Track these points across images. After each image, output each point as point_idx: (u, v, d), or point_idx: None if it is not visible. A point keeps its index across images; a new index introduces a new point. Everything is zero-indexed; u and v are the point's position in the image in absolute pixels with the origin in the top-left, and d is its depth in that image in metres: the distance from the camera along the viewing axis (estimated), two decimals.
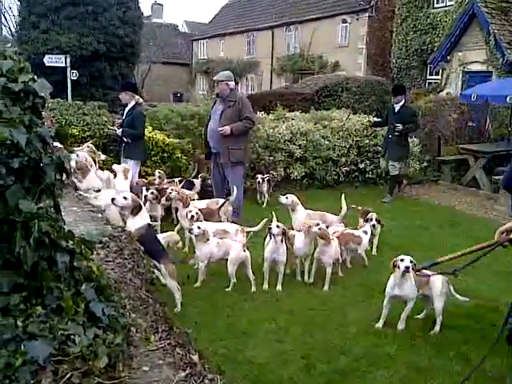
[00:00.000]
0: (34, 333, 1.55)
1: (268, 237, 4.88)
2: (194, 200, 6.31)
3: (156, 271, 4.07)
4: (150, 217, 5.61)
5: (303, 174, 9.04)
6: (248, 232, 5.16)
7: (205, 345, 3.41)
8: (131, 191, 5.24)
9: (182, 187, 6.64)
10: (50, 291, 1.70)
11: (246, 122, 6.63)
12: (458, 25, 14.81)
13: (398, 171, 8.85)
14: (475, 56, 14.64)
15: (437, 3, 17.49)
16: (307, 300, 4.60)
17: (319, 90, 14.60)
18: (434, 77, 17.58)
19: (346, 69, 21.63)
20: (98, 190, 5.38)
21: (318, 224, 4.89)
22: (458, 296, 4.20)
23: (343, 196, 5.91)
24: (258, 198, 8.16)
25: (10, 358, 1.47)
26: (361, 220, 6.05)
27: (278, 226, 4.72)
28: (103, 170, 6.16)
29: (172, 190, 5.85)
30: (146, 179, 6.77)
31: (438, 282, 4.06)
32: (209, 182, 7.48)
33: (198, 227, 4.63)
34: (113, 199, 4.27)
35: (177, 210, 6.11)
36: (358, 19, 21.81)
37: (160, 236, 4.69)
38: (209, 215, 5.64)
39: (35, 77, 1.81)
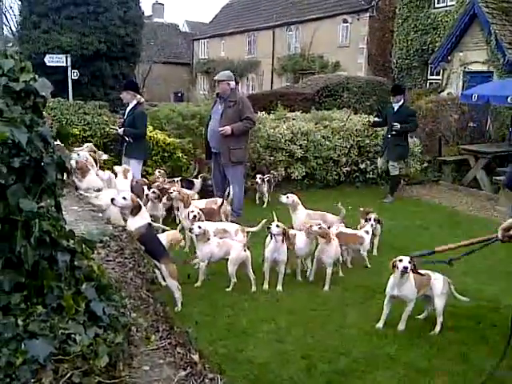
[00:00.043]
0: (34, 332, 1.55)
1: (269, 237, 4.87)
2: (193, 200, 6.31)
3: (156, 271, 4.07)
4: (152, 216, 5.62)
5: (304, 174, 9.04)
6: (247, 232, 5.17)
7: (205, 344, 3.41)
8: (132, 191, 5.25)
9: (182, 187, 6.64)
10: (51, 290, 1.70)
11: (246, 122, 6.63)
12: (459, 25, 14.80)
13: (398, 171, 8.86)
14: (476, 56, 14.62)
15: (438, 3, 17.48)
16: (307, 300, 4.60)
17: (320, 89, 14.61)
18: (434, 77, 17.57)
19: (346, 69, 21.62)
20: (99, 190, 5.39)
21: (319, 224, 4.89)
22: (458, 296, 4.20)
23: (339, 204, 5.94)
24: (257, 198, 8.12)
25: (11, 357, 1.48)
26: (362, 220, 6.05)
27: (277, 226, 4.72)
28: (104, 170, 6.16)
29: (174, 190, 5.86)
30: (147, 179, 6.77)
31: (438, 282, 4.07)
32: (209, 182, 7.48)
33: (199, 227, 4.63)
34: (112, 199, 4.26)
35: (178, 209, 6.11)
36: (358, 19, 21.80)
37: (163, 235, 4.69)
38: (209, 215, 5.64)
39: (36, 76, 1.81)
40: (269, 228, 4.71)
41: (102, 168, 6.38)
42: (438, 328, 4.02)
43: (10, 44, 21.34)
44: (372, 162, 9.62)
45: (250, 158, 8.06)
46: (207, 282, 4.77)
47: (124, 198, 4.20)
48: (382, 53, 20.90)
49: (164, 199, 6.17)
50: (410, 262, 3.86)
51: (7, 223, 1.61)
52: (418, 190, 9.87)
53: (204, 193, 7.24)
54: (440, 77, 16.69)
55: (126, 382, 1.71)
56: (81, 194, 4.89)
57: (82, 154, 5.94)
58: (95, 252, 2.15)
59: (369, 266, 5.48)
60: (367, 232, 5.56)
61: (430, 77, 18.04)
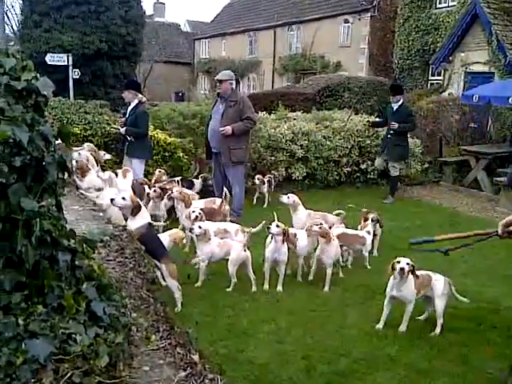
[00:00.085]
0: (35, 331, 1.55)
1: (269, 237, 4.87)
2: (193, 200, 6.30)
3: (157, 271, 4.06)
4: (154, 216, 5.62)
5: (305, 174, 9.03)
6: (248, 232, 5.16)
7: (205, 345, 3.41)
8: (133, 190, 5.24)
9: (182, 187, 6.64)
10: (52, 290, 1.70)
11: (247, 122, 6.63)
12: (461, 25, 14.78)
13: (399, 172, 8.85)
14: (477, 57, 14.61)
15: (439, 3, 17.46)
16: (308, 300, 4.60)
17: (321, 90, 14.60)
18: (435, 77, 17.55)
19: (347, 69, 21.61)
20: (99, 189, 5.38)
21: (320, 224, 4.89)
22: (459, 297, 4.19)
23: (337, 212, 5.92)
24: (255, 198, 8.06)
25: (11, 357, 1.47)
26: (362, 221, 6.04)
27: (277, 226, 4.71)
28: (104, 171, 6.14)
29: (175, 190, 5.86)
30: (149, 179, 6.76)
31: (439, 282, 4.07)
32: (210, 182, 7.47)
33: (199, 227, 4.63)
34: (112, 200, 4.25)
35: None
36: (360, 19, 21.77)
37: (166, 234, 4.69)
38: (210, 215, 5.64)
39: (38, 75, 1.81)
40: (269, 228, 4.71)
41: (103, 168, 6.37)
42: (438, 329, 4.01)
43: (12, 43, 21.34)
44: (373, 162, 9.62)
45: (250, 158, 8.05)
46: (207, 282, 4.77)
47: (123, 199, 4.18)
48: (384, 53, 20.89)
49: (165, 199, 6.17)
50: (407, 264, 3.86)
51: (8, 222, 1.61)
52: (418, 190, 9.87)
53: (205, 193, 7.23)
54: (441, 77, 16.67)
55: (126, 382, 1.70)
56: (82, 194, 4.89)
57: (83, 153, 5.93)
58: (96, 252, 2.15)
59: (368, 267, 5.48)
60: (369, 232, 5.56)
61: (431, 77, 18.03)
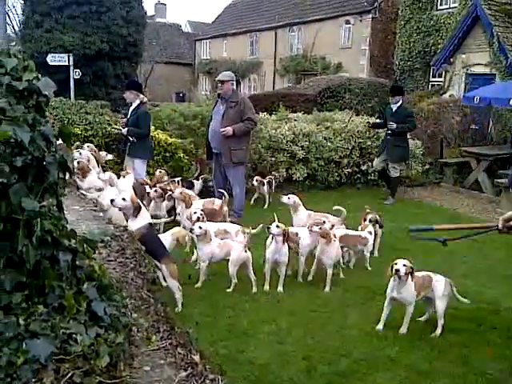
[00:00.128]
0: (35, 331, 1.55)
1: (269, 238, 4.87)
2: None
3: (158, 272, 4.07)
4: (155, 216, 5.62)
5: (305, 175, 9.03)
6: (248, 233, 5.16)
7: (206, 345, 3.41)
8: (134, 191, 5.24)
9: (182, 187, 6.64)
10: (52, 290, 1.70)
11: (247, 123, 6.63)
12: (462, 27, 14.79)
13: (399, 173, 8.84)
14: (478, 58, 14.61)
15: (440, 5, 17.46)
16: (308, 301, 4.60)
17: (322, 91, 14.61)
18: (436, 79, 17.55)
19: (348, 70, 21.62)
20: (100, 190, 5.39)
21: (324, 222, 4.90)
22: (460, 298, 4.19)
23: (336, 207, 5.88)
24: (253, 199, 8.01)
25: (12, 357, 1.47)
26: (363, 221, 6.04)
27: (277, 226, 4.71)
28: (105, 171, 6.14)
29: (179, 191, 5.86)
30: (150, 179, 6.76)
31: (440, 283, 4.06)
32: (210, 184, 7.47)
33: (200, 227, 4.63)
34: (112, 200, 4.25)
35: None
36: (361, 20, 21.79)
37: (168, 233, 4.69)
38: (211, 215, 5.64)
39: (39, 75, 1.81)
40: (269, 228, 4.70)
41: (104, 168, 6.38)
42: (438, 330, 4.01)
43: (13, 43, 21.36)
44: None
45: (251, 159, 8.06)
46: (208, 282, 4.77)
47: (124, 199, 4.17)
48: (385, 54, 20.89)
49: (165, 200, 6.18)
50: (404, 266, 3.86)
51: (9, 222, 1.61)
52: (419, 192, 9.86)
53: (205, 194, 7.23)
54: (442, 79, 16.67)
55: (126, 382, 1.71)
56: (83, 194, 4.89)
57: (84, 152, 5.94)
58: (96, 252, 2.15)
59: (369, 268, 5.48)
60: (370, 233, 5.56)
61: (432, 79, 18.03)
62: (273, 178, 8.31)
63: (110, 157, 6.73)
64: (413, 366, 3.54)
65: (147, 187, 6.15)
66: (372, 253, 5.75)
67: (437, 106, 11.87)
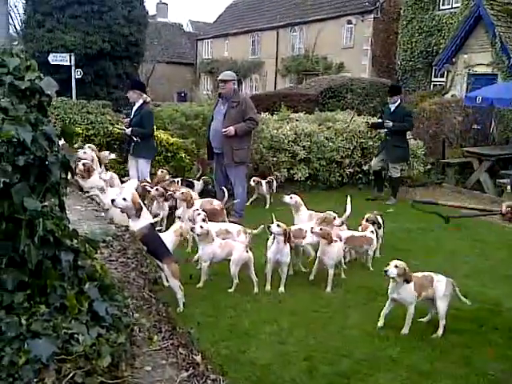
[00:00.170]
0: (37, 331, 1.55)
1: (271, 238, 4.86)
2: None
3: (160, 271, 4.06)
4: (156, 216, 5.62)
5: (307, 175, 9.03)
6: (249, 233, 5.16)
7: (207, 345, 3.40)
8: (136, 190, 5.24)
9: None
10: (54, 290, 1.70)
11: (249, 123, 6.63)
12: (464, 27, 14.78)
13: (400, 173, 8.83)
14: (480, 58, 14.60)
15: (442, 5, 17.46)
16: (310, 301, 4.59)
17: (324, 91, 14.62)
18: (438, 79, 17.54)
19: (350, 70, 21.62)
20: (102, 189, 5.38)
21: (334, 218, 5.01)
22: (463, 298, 4.17)
23: (349, 198, 5.79)
24: (251, 200, 7.94)
25: (14, 356, 1.47)
26: (363, 221, 6.03)
27: (278, 226, 4.70)
28: (107, 171, 6.16)
29: (183, 192, 5.86)
30: (151, 179, 6.77)
31: (441, 284, 4.05)
32: (209, 187, 7.47)
33: (201, 226, 4.63)
34: (113, 200, 4.23)
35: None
36: (363, 20, 21.79)
37: (170, 230, 4.69)
38: (212, 215, 5.63)
39: (41, 75, 1.81)
40: (269, 227, 4.69)
41: (106, 168, 6.39)
42: (440, 331, 4.00)
43: (16, 42, 21.38)
44: None
45: (252, 159, 8.05)
46: (209, 282, 4.77)
47: (124, 199, 4.15)
48: (387, 54, 20.89)
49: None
50: (396, 267, 3.86)
51: (11, 222, 1.61)
52: (421, 192, 9.84)
53: (206, 195, 7.21)
54: (444, 79, 16.67)
55: (128, 383, 1.70)
56: (87, 192, 4.89)
57: (88, 152, 5.94)
58: (98, 252, 2.15)
59: (371, 268, 5.47)
60: (373, 232, 5.56)
61: (434, 79, 18.02)
62: (274, 178, 8.30)
63: (112, 156, 6.74)
64: (414, 367, 3.54)
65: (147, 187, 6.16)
66: (374, 253, 5.75)
67: (439, 106, 11.86)
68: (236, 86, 6.79)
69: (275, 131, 8.85)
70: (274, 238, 4.76)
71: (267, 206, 7.91)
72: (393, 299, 4.04)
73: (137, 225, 4.08)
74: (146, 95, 6.85)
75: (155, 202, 6.03)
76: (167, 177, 6.78)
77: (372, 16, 21.26)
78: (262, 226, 5.03)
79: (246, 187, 7.05)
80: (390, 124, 8.34)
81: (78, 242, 1.85)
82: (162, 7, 40.01)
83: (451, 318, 4.12)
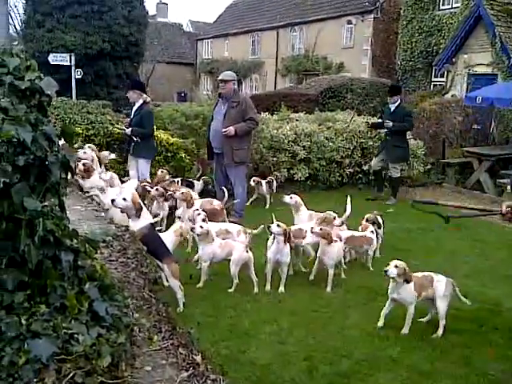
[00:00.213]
0: (37, 331, 1.55)
1: (271, 238, 4.86)
2: None
3: (160, 271, 4.06)
4: (156, 216, 5.62)
5: (307, 175, 9.02)
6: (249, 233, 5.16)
7: (207, 345, 3.40)
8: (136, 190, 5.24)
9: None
10: (54, 290, 1.70)
11: (249, 123, 6.63)
12: (464, 27, 14.78)
13: (400, 173, 8.82)
14: (480, 58, 14.60)
15: (442, 5, 17.46)
16: (310, 301, 4.59)
17: (324, 91, 14.62)
18: (439, 79, 17.55)
19: (350, 70, 21.62)
20: (101, 189, 5.39)
21: (334, 218, 4.98)
22: (463, 298, 4.17)
23: (349, 198, 5.80)
24: (251, 200, 7.92)
25: (14, 356, 1.48)
26: (363, 221, 6.03)
27: (278, 226, 4.70)
28: (107, 171, 6.16)
29: (183, 192, 5.86)
30: (152, 180, 6.77)
31: (441, 284, 4.05)
32: (209, 187, 7.46)
33: (201, 226, 4.63)
34: (113, 200, 4.23)
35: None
36: (363, 20, 21.79)
37: (170, 230, 4.69)
38: (212, 215, 5.63)
39: (41, 75, 1.81)
40: (269, 227, 4.69)
41: (106, 168, 6.39)
42: (440, 331, 4.00)
43: (16, 42, 21.38)
44: None
45: (252, 159, 8.05)
46: (209, 282, 4.77)
47: (124, 199, 4.14)
48: (387, 54, 20.90)
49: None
50: (396, 267, 3.86)
51: (11, 222, 1.61)
52: (421, 192, 9.84)
53: (206, 195, 7.21)
54: (444, 79, 16.67)
55: (128, 383, 1.71)
56: (87, 192, 4.89)
57: (88, 151, 5.94)
58: (98, 252, 2.15)
59: (371, 268, 5.47)
60: (373, 232, 5.56)
61: (434, 79, 18.03)
62: (274, 178, 8.29)
63: (112, 156, 6.74)
64: (414, 367, 3.54)
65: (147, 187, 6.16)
66: (374, 253, 5.75)
67: (439, 106, 11.86)
68: (236, 86, 6.79)
69: (275, 131, 8.85)
70: (273, 238, 4.76)
71: (267, 206, 7.91)
72: (393, 299, 4.04)
73: (137, 225, 4.08)
74: (145, 95, 6.85)
75: (155, 202, 6.03)
76: (167, 177, 6.78)
77: (372, 16, 21.26)
78: (262, 226, 5.03)
79: (245, 187, 7.05)
80: (390, 124, 8.33)
81: (78, 242, 1.85)
82: (162, 7, 40.02)
83: (451, 318, 4.12)
